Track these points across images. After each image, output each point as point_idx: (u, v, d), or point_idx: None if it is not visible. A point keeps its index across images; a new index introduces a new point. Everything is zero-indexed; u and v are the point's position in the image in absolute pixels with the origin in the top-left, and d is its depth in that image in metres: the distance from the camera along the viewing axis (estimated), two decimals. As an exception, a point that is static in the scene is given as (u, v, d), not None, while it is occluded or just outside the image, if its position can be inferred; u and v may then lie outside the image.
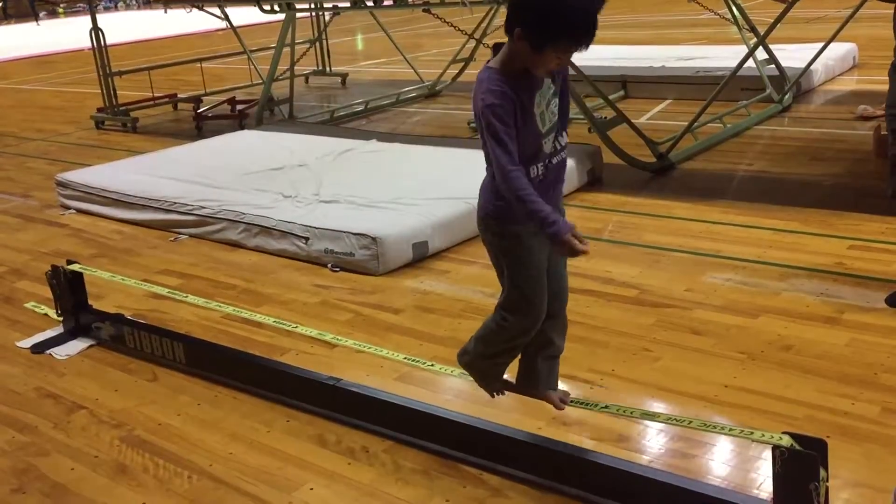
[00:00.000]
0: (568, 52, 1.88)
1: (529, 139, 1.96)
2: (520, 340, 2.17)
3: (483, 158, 2.03)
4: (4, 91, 11.70)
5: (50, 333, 3.49)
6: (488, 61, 1.97)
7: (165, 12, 7.49)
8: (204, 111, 7.82)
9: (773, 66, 6.58)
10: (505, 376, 2.34)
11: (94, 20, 7.79)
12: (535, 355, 2.24)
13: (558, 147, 2.06)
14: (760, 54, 6.28)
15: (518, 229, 2.03)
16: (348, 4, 6.94)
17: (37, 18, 23.86)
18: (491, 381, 2.32)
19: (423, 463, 2.43)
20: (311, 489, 2.37)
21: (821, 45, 6.55)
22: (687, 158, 5.33)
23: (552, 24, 1.82)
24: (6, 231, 5.05)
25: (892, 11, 3.04)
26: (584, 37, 1.85)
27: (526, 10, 1.85)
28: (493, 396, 2.36)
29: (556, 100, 2.02)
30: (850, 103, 6.41)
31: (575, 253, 1.91)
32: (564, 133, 2.08)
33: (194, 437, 2.68)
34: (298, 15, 7.11)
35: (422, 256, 3.99)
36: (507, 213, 2.01)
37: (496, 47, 1.98)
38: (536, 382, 2.27)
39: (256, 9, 6.70)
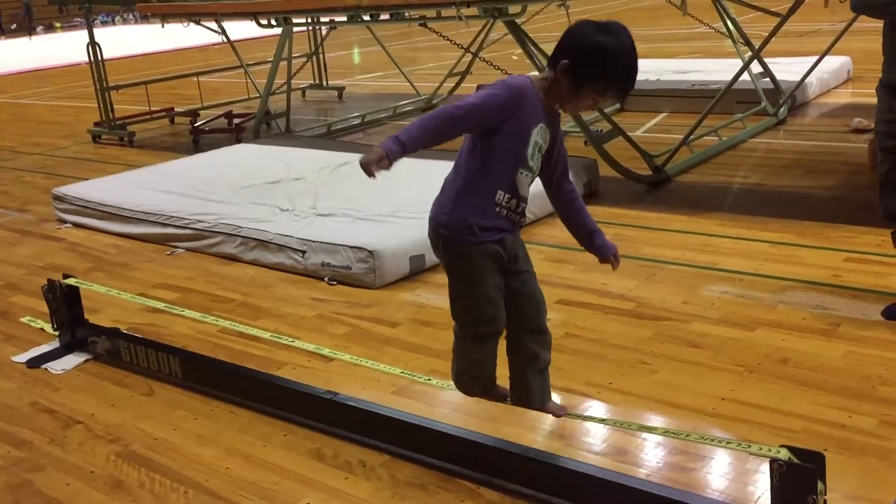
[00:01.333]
0: (605, 96, 1.96)
1: (512, 151, 1.98)
2: (488, 349, 2.20)
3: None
4: (1, 105, 11.71)
5: (46, 348, 3.48)
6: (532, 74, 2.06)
7: (163, 27, 7.49)
8: (201, 125, 7.84)
9: (767, 79, 6.61)
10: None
11: (90, 34, 7.81)
12: (524, 371, 2.24)
13: (519, 208, 2.08)
14: (755, 67, 6.31)
15: (468, 248, 2.05)
16: (345, 19, 6.96)
17: (30, 34, 23.91)
18: (482, 394, 2.35)
19: (420, 477, 2.42)
20: (308, 503, 2.36)
21: (815, 58, 6.58)
22: (683, 171, 5.35)
23: (602, 63, 1.91)
24: (2, 245, 5.04)
25: (882, 26, 3.05)
26: (624, 84, 1.95)
27: (580, 49, 1.93)
28: (507, 401, 2.35)
29: (540, 158, 2.06)
30: (844, 116, 6.43)
31: (365, 169, 1.96)
32: (524, 204, 2.10)
33: (191, 451, 2.67)
34: (295, 29, 7.13)
35: (419, 270, 3.99)
36: (458, 226, 2.05)
37: (480, 88, 2.03)
38: (530, 398, 2.28)
39: (253, 23, 6.72)
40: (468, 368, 2.27)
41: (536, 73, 2.07)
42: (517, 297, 2.14)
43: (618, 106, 7.24)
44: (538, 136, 2.00)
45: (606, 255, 2.19)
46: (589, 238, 2.20)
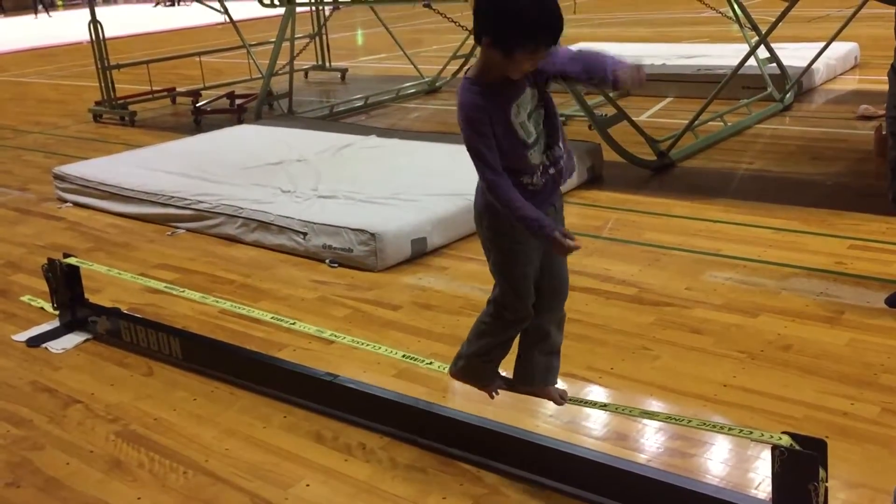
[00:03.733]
0: (537, 51, 1.86)
1: (511, 149, 1.95)
2: (511, 333, 2.20)
3: None
4: (2, 84, 11.66)
5: (46, 327, 3.48)
6: (466, 71, 1.97)
7: (155, 6, 7.46)
8: (202, 105, 7.80)
9: (774, 64, 6.56)
10: (503, 373, 2.33)
11: (92, 13, 7.76)
12: (532, 349, 2.23)
13: (550, 159, 2.02)
14: (762, 53, 6.26)
15: (511, 227, 2.02)
16: (348, -1, 6.92)
17: (37, 12, 23.78)
18: (488, 381, 2.31)
19: (420, 460, 2.42)
20: (308, 485, 2.36)
21: (822, 44, 6.54)
22: (687, 157, 5.32)
23: (511, 25, 1.82)
24: (3, 224, 5.03)
25: (894, 11, 3.02)
26: (546, 33, 1.84)
27: (485, 17, 1.86)
28: (492, 397, 2.34)
29: (542, 111, 2.00)
30: (851, 103, 6.39)
31: (567, 250, 1.93)
32: (558, 146, 2.04)
33: (190, 432, 2.67)
34: (298, 9, 7.09)
35: (420, 253, 3.97)
36: (498, 209, 2.01)
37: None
38: (533, 377, 2.26)
39: (256, 3, 6.68)
40: (488, 350, 2.22)
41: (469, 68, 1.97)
42: (546, 273, 2.13)
43: (623, 91, 7.20)
44: (519, 115, 1.95)
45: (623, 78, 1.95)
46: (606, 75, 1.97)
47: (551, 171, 2.03)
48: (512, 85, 1.92)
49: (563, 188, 2.20)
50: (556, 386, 2.31)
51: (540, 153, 2.00)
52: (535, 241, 2.04)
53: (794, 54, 6.98)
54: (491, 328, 2.18)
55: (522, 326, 2.18)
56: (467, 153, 1.95)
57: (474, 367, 2.28)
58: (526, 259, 2.07)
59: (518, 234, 2.02)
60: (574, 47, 2.03)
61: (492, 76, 1.91)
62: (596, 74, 1.94)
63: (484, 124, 1.90)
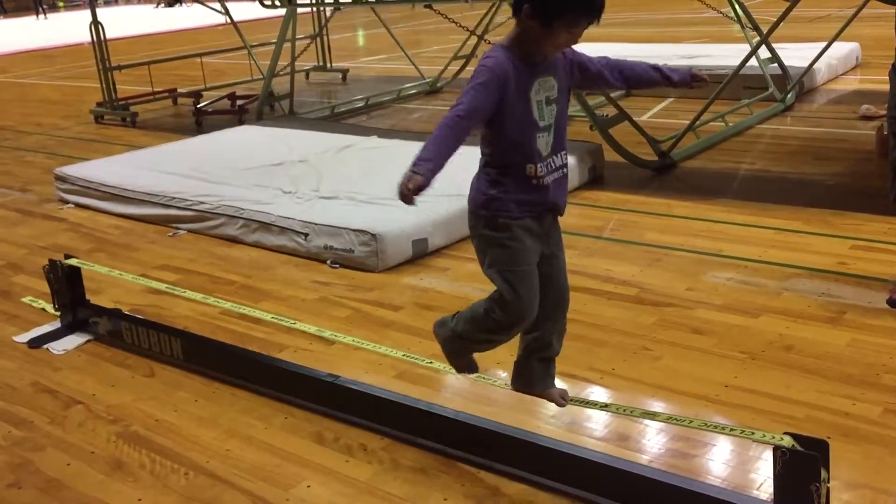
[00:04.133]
0: (578, 26, 1.88)
1: (522, 122, 1.94)
2: (500, 337, 2.14)
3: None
4: (4, 85, 11.67)
5: (47, 328, 3.48)
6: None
7: (157, 7, 7.48)
8: (204, 106, 7.80)
9: (775, 64, 6.56)
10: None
11: (94, 14, 7.76)
12: (531, 357, 2.21)
13: (557, 162, 2.02)
14: (763, 53, 6.26)
15: (509, 222, 2.00)
16: (349, 0, 6.92)
17: (38, 13, 23.80)
18: (460, 361, 2.27)
19: (421, 461, 2.42)
20: (309, 486, 2.36)
21: (824, 44, 6.53)
22: (688, 157, 5.31)
23: (562, 2, 1.83)
24: (4, 225, 5.03)
25: (895, 12, 3.02)
26: (588, 6, 1.86)
27: None
28: (460, 373, 2.32)
29: (555, 107, 1.99)
30: (852, 103, 6.39)
31: (403, 197, 1.92)
32: (565, 154, 2.05)
33: (191, 433, 2.67)
34: (299, 10, 7.09)
35: (421, 253, 3.97)
36: (498, 205, 1.99)
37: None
38: (532, 382, 2.25)
39: (257, 4, 6.68)
40: (474, 341, 2.18)
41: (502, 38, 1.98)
42: (546, 281, 2.10)
43: (624, 91, 7.20)
44: (538, 93, 1.95)
45: (686, 78, 2.08)
46: (662, 77, 2.09)
47: (556, 174, 2.02)
48: (542, 62, 1.92)
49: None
50: (555, 387, 2.30)
51: (547, 144, 1.99)
52: (533, 241, 2.03)
53: (795, 54, 6.98)
54: (482, 323, 2.13)
55: (512, 333, 2.13)
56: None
57: (452, 343, 2.23)
58: (524, 258, 2.04)
59: (516, 231, 2.01)
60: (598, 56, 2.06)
61: (524, 48, 1.91)
62: (647, 81, 2.04)
63: (497, 78, 1.88)
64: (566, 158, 2.06)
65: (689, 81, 2.09)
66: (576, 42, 1.94)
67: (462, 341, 2.21)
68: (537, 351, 2.19)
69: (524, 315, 2.07)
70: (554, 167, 2.02)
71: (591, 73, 2.06)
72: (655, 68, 2.11)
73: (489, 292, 2.13)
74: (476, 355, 2.28)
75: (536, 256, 2.07)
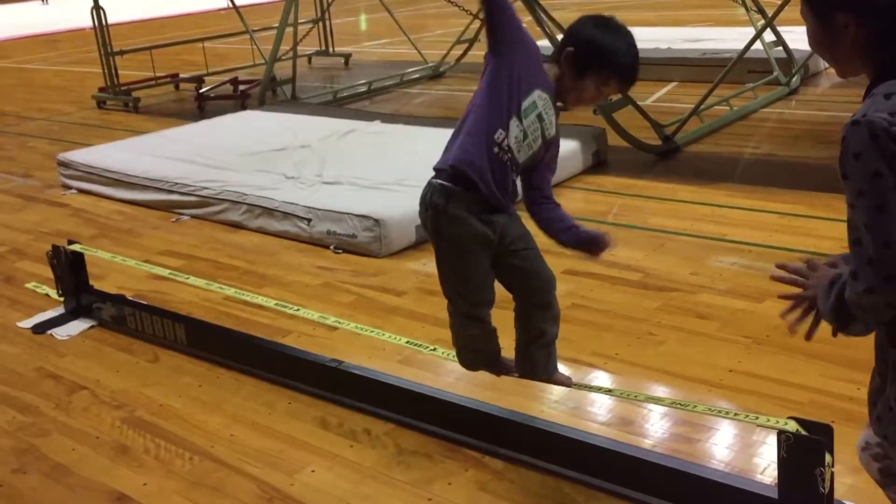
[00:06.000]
0: (608, 86, 1.99)
1: (504, 96, 1.95)
2: (472, 329, 2.16)
3: None
4: (7, 70, 11.65)
5: (51, 314, 3.48)
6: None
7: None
8: (206, 91, 7.78)
9: (780, 48, 6.51)
10: (507, 360, 2.32)
11: (95, -1, 7.73)
12: (529, 345, 2.20)
13: (520, 161, 2.02)
14: (768, 36, 6.22)
15: (456, 229, 2.01)
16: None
17: None
18: (493, 365, 2.28)
19: (424, 446, 2.42)
20: (313, 471, 2.36)
21: (829, 27, 6.47)
22: (693, 141, 5.29)
23: (603, 52, 1.95)
24: (7, 211, 5.03)
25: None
26: (629, 77, 1.99)
27: (583, 36, 1.97)
28: (514, 374, 2.32)
29: (539, 126, 2.00)
30: (857, 86, 6.30)
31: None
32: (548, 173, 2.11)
33: (196, 418, 2.67)
34: (301, -6, 7.05)
35: (425, 239, 3.95)
36: (452, 176, 2.01)
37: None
38: (535, 371, 2.24)
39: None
40: (465, 344, 2.23)
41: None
42: (521, 273, 2.10)
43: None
44: (539, 99, 1.96)
45: (591, 247, 2.14)
46: (568, 234, 2.13)
47: (515, 167, 2.02)
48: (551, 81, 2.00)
49: (566, 174, 2.21)
50: (558, 372, 2.30)
51: (519, 135, 1.97)
52: (477, 240, 2.01)
53: (800, 38, 6.88)
54: (457, 323, 2.17)
55: (481, 316, 2.13)
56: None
57: (466, 358, 2.27)
58: (471, 254, 2.04)
59: (463, 237, 2.01)
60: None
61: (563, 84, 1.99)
62: (550, 234, 2.11)
63: (519, 27, 1.94)
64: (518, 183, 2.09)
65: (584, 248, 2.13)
66: (600, 102, 2.01)
67: (468, 351, 2.26)
68: (533, 339, 2.19)
69: (479, 304, 2.11)
70: (511, 163, 2.01)
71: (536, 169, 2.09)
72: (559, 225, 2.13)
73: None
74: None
75: (485, 258, 2.05)
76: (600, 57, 1.95)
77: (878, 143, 1.12)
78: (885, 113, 1.14)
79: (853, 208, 1.16)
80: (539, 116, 1.98)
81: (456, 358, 2.31)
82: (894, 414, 1.29)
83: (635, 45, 1.99)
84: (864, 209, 1.13)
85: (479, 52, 7.79)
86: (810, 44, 1.29)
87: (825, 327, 1.46)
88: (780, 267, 1.48)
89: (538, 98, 1.97)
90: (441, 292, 2.14)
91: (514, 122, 1.96)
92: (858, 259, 1.18)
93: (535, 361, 2.21)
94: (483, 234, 2.01)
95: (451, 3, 7.11)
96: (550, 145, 2.07)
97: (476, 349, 2.24)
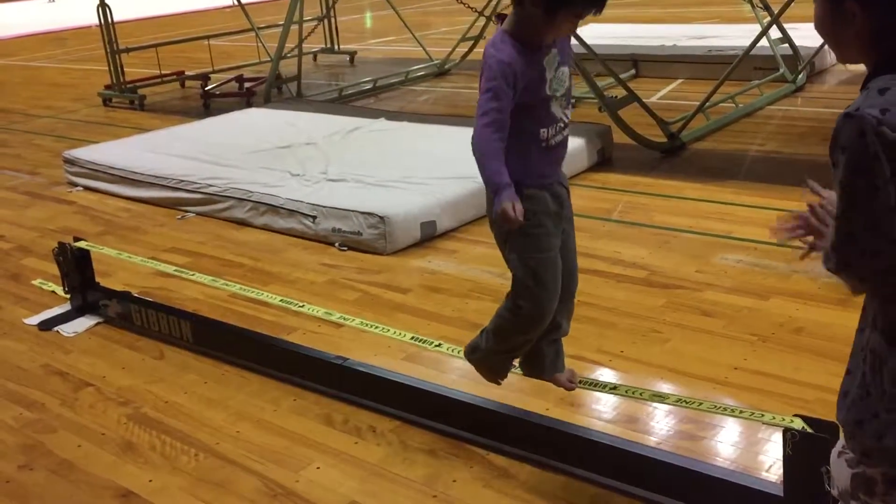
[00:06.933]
0: (581, 15, 1.87)
1: (539, 102, 1.94)
2: (537, 328, 2.09)
3: None
4: (13, 68, 11.68)
5: (57, 310, 3.49)
6: (499, 26, 1.95)
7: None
8: (211, 89, 7.79)
9: (786, 45, 6.50)
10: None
11: (101, -4, 7.74)
12: (541, 339, 2.16)
13: (566, 119, 2.02)
14: (774, 33, 6.20)
15: (530, 206, 1.98)
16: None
17: None
18: (499, 374, 2.26)
19: (430, 443, 2.42)
20: (318, 468, 2.37)
21: (835, 24, 6.45)
22: (698, 138, 5.28)
23: None
24: (14, 208, 5.05)
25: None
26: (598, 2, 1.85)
27: None
28: (499, 384, 2.32)
29: (565, 68, 1.98)
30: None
31: (510, 223, 1.90)
32: (570, 108, 2.06)
33: (201, 415, 2.68)
34: (307, -8, 7.05)
35: (430, 236, 3.96)
36: (518, 190, 1.97)
37: (500, 17, 1.96)
38: (542, 367, 2.22)
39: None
40: (510, 348, 2.14)
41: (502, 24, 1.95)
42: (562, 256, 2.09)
43: (633, 72, 7.15)
44: (549, 71, 1.93)
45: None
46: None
47: (565, 131, 2.02)
48: (541, 43, 1.91)
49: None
50: (566, 371, 2.29)
51: (562, 109, 1.99)
52: (554, 224, 2.01)
53: (806, 34, 6.87)
54: (513, 325, 2.09)
55: (544, 322, 2.07)
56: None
57: (491, 362, 2.21)
58: (548, 244, 2.01)
59: (540, 216, 1.99)
60: None
61: (525, 33, 1.89)
62: None
63: (507, 78, 1.87)
64: (569, 113, 2.06)
65: None
66: (576, 29, 1.93)
67: (501, 355, 2.18)
68: (547, 333, 2.16)
69: (552, 302, 2.04)
70: (564, 126, 2.02)
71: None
72: None
73: (497, 274, 2.12)
74: None
75: (558, 241, 2.05)
76: None
77: (864, 140, 1.15)
78: (876, 109, 1.15)
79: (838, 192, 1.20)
80: (555, 70, 1.95)
81: (474, 358, 2.25)
82: (872, 400, 1.29)
83: None
84: (840, 199, 1.18)
85: (483, 50, 7.79)
86: (816, 26, 1.29)
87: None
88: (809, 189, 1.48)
89: (551, 69, 1.94)
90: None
91: (554, 104, 1.96)
92: (832, 237, 1.23)
93: (545, 357, 2.19)
94: (555, 210, 2.03)
95: (457, 0, 7.10)
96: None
97: (513, 356, 2.19)
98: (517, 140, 1.95)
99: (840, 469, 1.41)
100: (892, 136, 1.14)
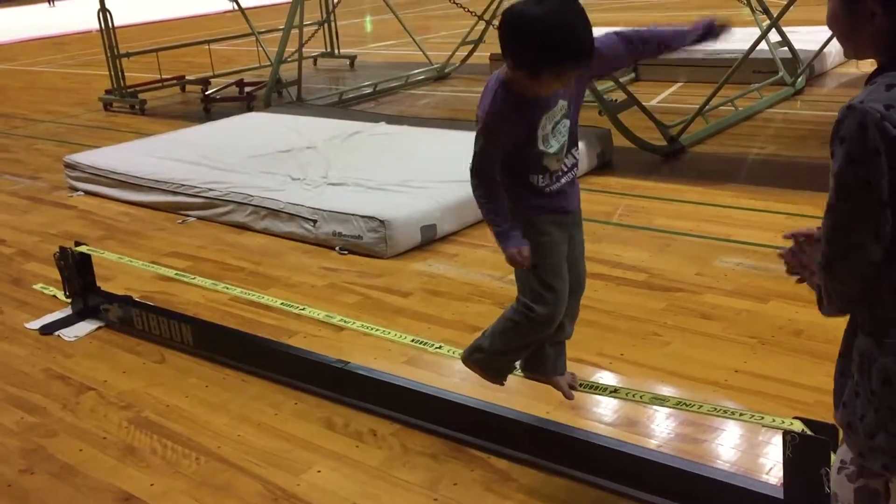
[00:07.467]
0: (566, 73, 1.81)
1: (529, 156, 1.93)
2: (545, 332, 2.10)
3: None
4: (14, 73, 11.70)
5: (58, 315, 3.50)
6: (503, 66, 1.90)
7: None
8: (212, 93, 7.80)
9: (785, 48, 6.51)
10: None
11: (101, 1, 7.76)
12: (544, 341, 2.19)
13: (568, 165, 2.01)
14: (773, 36, 6.21)
15: (532, 217, 1.99)
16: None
17: (51, 0, 23.85)
18: (502, 375, 2.27)
19: (430, 446, 2.43)
20: (319, 472, 2.37)
21: (834, 27, 6.46)
22: (698, 142, 5.29)
23: (533, 51, 1.76)
24: (15, 213, 5.05)
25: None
26: (572, 58, 1.78)
27: (511, 44, 1.79)
28: (502, 384, 2.32)
29: (567, 121, 1.96)
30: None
31: (516, 265, 1.96)
32: (575, 151, 2.02)
33: (202, 418, 2.68)
34: (307, -4, 7.07)
35: (430, 239, 3.97)
36: (521, 200, 1.98)
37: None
38: (545, 368, 2.23)
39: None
40: (514, 349, 2.16)
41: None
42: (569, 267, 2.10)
43: (632, 75, 7.16)
44: (544, 127, 1.91)
45: (710, 25, 2.00)
46: (685, 35, 2.02)
47: (567, 175, 2.01)
48: (543, 98, 1.88)
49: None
50: (567, 374, 2.30)
51: (559, 161, 1.97)
52: (560, 231, 2.02)
53: (805, 38, 6.92)
54: (523, 328, 2.09)
55: (553, 325, 2.09)
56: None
57: (494, 363, 2.21)
58: (554, 250, 2.02)
59: (542, 227, 1.99)
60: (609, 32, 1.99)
61: (518, 88, 1.85)
62: (676, 42, 1.98)
63: (500, 133, 1.88)
64: (577, 155, 2.04)
65: (713, 31, 2.00)
66: (568, 83, 1.86)
67: (504, 356, 2.19)
68: (551, 335, 2.17)
69: (562, 306, 2.06)
70: (566, 171, 2.00)
71: (606, 57, 1.95)
72: (675, 30, 2.02)
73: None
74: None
75: (565, 248, 2.06)
76: (543, 55, 1.75)
77: (864, 133, 1.15)
78: (881, 104, 1.16)
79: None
80: (553, 125, 1.93)
81: (474, 360, 2.24)
82: (861, 401, 1.30)
83: (566, 14, 1.75)
84: (833, 189, 1.19)
85: (484, 54, 7.81)
86: (829, 22, 1.29)
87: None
88: (789, 237, 1.52)
89: (547, 121, 1.92)
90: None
91: (546, 159, 1.96)
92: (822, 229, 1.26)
93: (546, 357, 2.20)
94: (562, 221, 2.06)
95: (457, 4, 7.12)
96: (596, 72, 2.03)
97: (516, 357, 2.20)
98: (512, 182, 1.96)
99: (842, 485, 1.41)
100: (893, 132, 1.14)
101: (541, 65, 1.77)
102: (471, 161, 1.94)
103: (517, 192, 1.97)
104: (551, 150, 1.94)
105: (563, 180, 2.00)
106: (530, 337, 2.12)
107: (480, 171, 1.93)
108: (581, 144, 4.70)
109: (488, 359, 2.21)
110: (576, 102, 1.98)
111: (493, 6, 7.53)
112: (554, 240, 2.02)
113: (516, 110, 1.87)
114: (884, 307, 1.26)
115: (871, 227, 1.19)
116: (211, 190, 4.56)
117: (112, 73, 7.91)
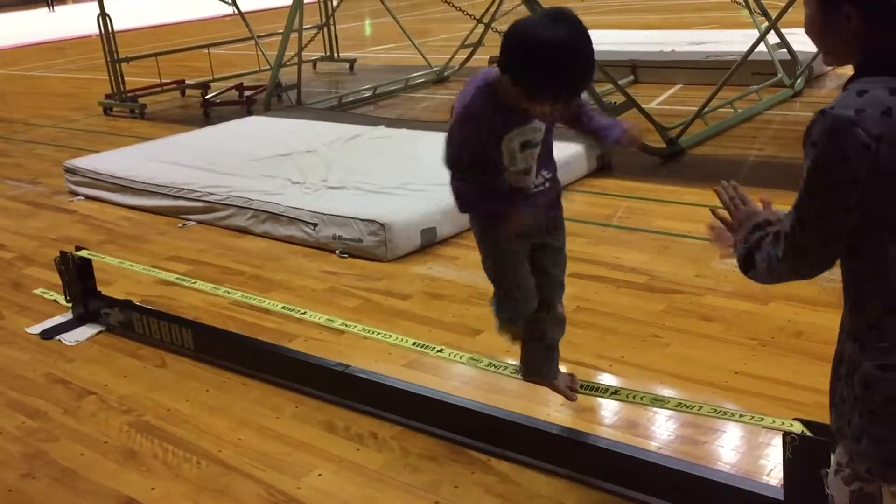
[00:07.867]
0: (559, 103, 1.83)
1: (492, 166, 1.95)
2: (515, 326, 2.20)
3: None
4: (14, 78, 11.71)
5: (59, 319, 3.50)
6: (493, 64, 1.91)
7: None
8: (212, 97, 7.81)
9: (784, 50, 6.51)
10: (513, 362, 2.33)
11: (101, 6, 7.78)
12: (530, 343, 2.26)
13: (537, 183, 2.02)
14: (772, 38, 6.22)
15: (494, 229, 2.04)
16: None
17: (50, 5, 23.90)
18: (545, 378, 2.33)
19: (431, 449, 2.43)
20: (320, 475, 2.37)
21: (833, 28, 6.47)
22: (697, 144, 5.29)
23: (539, 78, 1.75)
24: (15, 217, 5.06)
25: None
26: (572, 91, 1.81)
27: (513, 63, 1.77)
28: (566, 395, 2.37)
29: (535, 150, 1.97)
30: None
31: (513, 225, 1.97)
32: (544, 173, 2.03)
33: (203, 422, 2.69)
34: (306, 0, 7.08)
35: (430, 242, 3.97)
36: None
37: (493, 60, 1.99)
38: (534, 369, 2.30)
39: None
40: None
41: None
42: (535, 270, 2.13)
43: (631, 78, 7.17)
44: (512, 141, 1.92)
45: (616, 135, 2.02)
46: (607, 136, 2.05)
47: (539, 188, 2.03)
48: (519, 111, 1.88)
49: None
50: (565, 376, 2.31)
51: (524, 179, 1.99)
52: (520, 242, 2.05)
53: (804, 39, 6.81)
54: (498, 311, 2.20)
55: (526, 308, 2.17)
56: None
57: (534, 369, 2.31)
58: (515, 260, 2.07)
59: (502, 236, 2.02)
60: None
61: (507, 97, 1.85)
62: (599, 137, 2.03)
63: (475, 132, 1.89)
64: (550, 175, 2.05)
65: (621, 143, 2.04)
66: (551, 115, 1.88)
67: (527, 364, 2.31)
68: (534, 339, 2.23)
69: (518, 306, 2.13)
70: (535, 187, 2.02)
71: (566, 118, 2.02)
72: (603, 126, 2.05)
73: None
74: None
75: (526, 256, 2.09)
76: (543, 88, 1.76)
77: (833, 138, 1.17)
78: (852, 109, 1.17)
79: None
80: (518, 148, 1.94)
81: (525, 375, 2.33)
82: (848, 405, 1.31)
83: (572, 48, 1.71)
84: (800, 189, 1.21)
85: (483, 57, 7.81)
86: (806, 27, 1.30)
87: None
88: (719, 189, 1.57)
89: (511, 142, 1.93)
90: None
91: (514, 176, 1.98)
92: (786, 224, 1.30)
93: (534, 357, 2.26)
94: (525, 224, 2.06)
95: (456, 7, 7.13)
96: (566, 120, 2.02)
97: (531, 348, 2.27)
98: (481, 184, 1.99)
99: (838, 488, 1.41)
100: (863, 137, 1.15)
101: (539, 91, 1.78)
102: (444, 154, 1.95)
103: (492, 193, 2.00)
104: (513, 168, 1.96)
105: (535, 191, 2.02)
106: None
107: (455, 158, 1.94)
108: (580, 146, 4.73)
109: (523, 368, 2.32)
110: (550, 131, 2.01)
111: (492, 10, 7.54)
112: (516, 248, 2.06)
113: (495, 111, 1.87)
114: (865, 312, 1.27)
115: (831, 227, 1.21)
116: (211, 194, 4.57)
117: (112, 77, 7.93)
